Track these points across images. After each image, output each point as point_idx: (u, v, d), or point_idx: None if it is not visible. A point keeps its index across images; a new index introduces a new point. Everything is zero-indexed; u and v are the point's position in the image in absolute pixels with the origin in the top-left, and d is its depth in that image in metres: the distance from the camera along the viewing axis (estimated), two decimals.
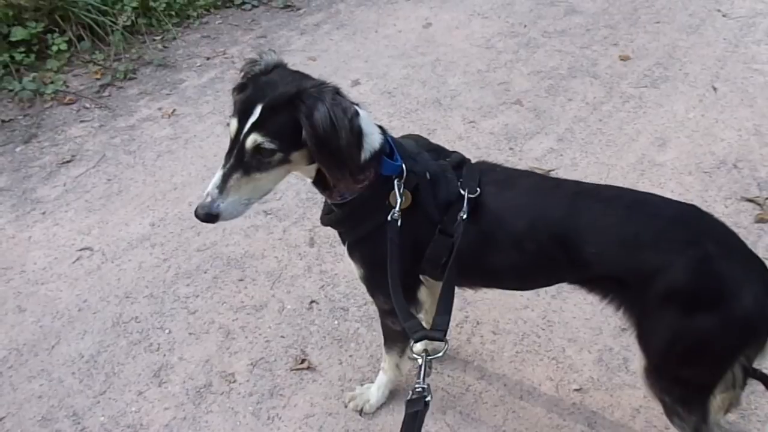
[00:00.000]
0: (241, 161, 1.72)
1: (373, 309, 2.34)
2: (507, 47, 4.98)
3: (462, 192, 1.90)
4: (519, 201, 1.94)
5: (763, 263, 1.87)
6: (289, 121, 1.70)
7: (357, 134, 1.77)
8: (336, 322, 2.81)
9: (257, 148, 1.71)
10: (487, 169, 2.01)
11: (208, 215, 1.73)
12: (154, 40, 5.05)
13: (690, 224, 1.85)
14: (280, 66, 1.82)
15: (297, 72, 1.85)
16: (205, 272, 3.06)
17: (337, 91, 1.74)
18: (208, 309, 2.88)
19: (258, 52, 1.87)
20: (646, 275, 1.79)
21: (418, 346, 1.92)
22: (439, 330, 1.80)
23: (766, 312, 1.75)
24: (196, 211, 1.75)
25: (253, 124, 1.70)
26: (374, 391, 2.44)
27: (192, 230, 3.29)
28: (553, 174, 3.56)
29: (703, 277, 1.75)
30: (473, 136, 3.98)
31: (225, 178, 1.73)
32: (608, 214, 1.87)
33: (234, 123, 1.73)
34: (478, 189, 1.91)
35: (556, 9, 5.57)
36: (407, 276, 1.97)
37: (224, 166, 1.74)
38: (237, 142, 1.72)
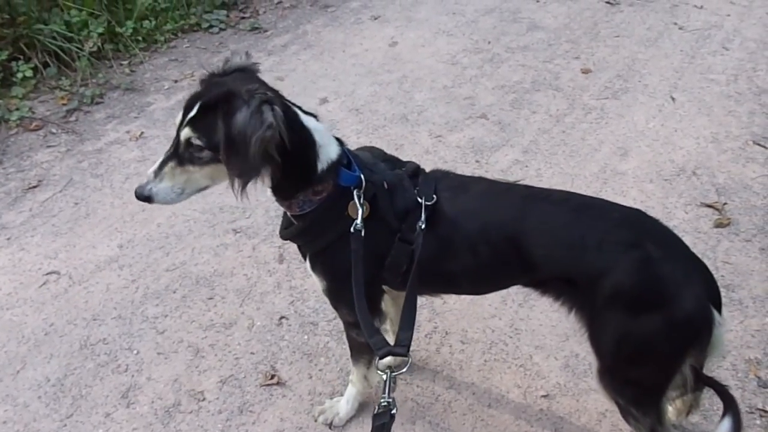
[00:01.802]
0: (177, 152, 1.81)
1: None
2: (472, 63, 5.08)
3: (419, 200, 1.94)
4: (472, 205, 1.98)
5: (704, 265, 1.92)
6: (216, 120, 1.71)
7: (264, 151, 1.70)
8: (306, 336, 2.82)
9: (188, 142, 1.78)
10: (441, 176, 2.05)
11: (141, 195, 1.84)
12: (122, 64, 5.05)
13: (633, 227, 1.90)
14: (244, 70, 1.86)
15: (254, 77, 1.87)
16: (174, 292, 3.05)
17: (268, 101, 1.69)
18: (177, 328, 2.87)
19: (232, 54, 1.94)
20: (592, 276, 1.83)
21: (383, 362, 1.95)
22: (402, 346, 1.83)
23: (707, 313, 1.79)
24: (135, 190, 1.85)
25: (190, 119, 1.77)
26: (344, 404, 2.45)
27: (161, 251, 3.29)
28: None
29: (646, 278, 1.79)
30: (440, 150, 4.04)
31: (162, 165, 1.82)
32: (556, 217, 1.92)
33: (178, 116, 1.81)
34: (434, 196, 1.95)
35: (519, 25, 5.69)
36: (369, 287, 1.98)
37: (165, 153, 1.83)
38: (177, 134, 1.81)
